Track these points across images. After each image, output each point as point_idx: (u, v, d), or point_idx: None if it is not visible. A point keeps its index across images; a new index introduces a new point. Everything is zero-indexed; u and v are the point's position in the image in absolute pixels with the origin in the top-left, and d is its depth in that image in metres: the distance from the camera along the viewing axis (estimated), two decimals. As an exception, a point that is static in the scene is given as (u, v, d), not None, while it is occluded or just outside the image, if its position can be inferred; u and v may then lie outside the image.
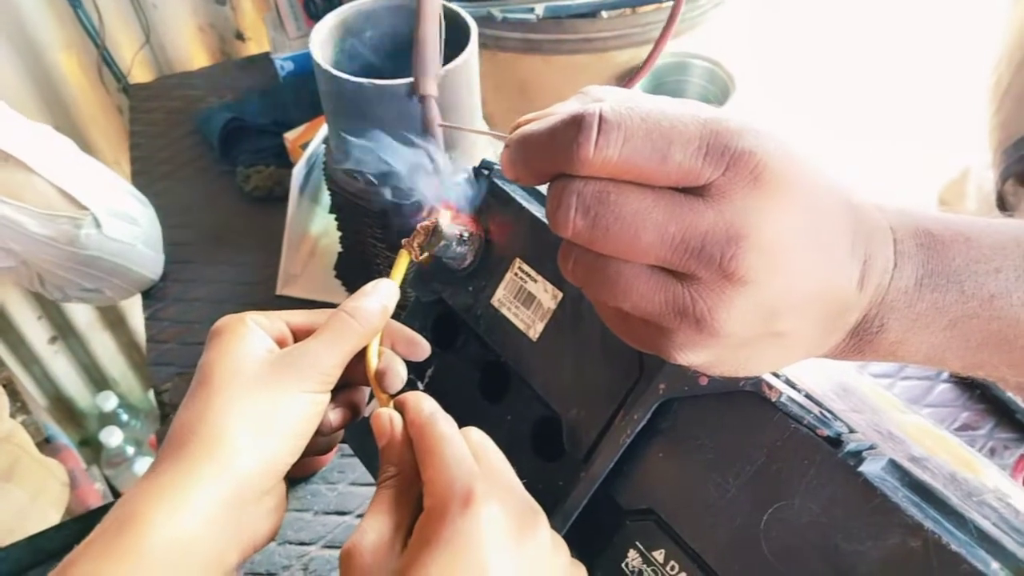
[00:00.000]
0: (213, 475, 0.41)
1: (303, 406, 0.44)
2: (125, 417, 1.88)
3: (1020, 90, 0.90)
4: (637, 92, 0.33)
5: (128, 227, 1.00)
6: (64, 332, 1.82)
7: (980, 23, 1.32)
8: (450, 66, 0.71)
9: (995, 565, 0.33)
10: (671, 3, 0.98)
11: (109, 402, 1.84)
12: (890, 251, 0.34)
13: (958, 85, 1.25)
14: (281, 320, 0.48)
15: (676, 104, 0.31)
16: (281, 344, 0.47)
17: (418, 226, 0.49)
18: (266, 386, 0.43)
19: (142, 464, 1.79)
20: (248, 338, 0.45)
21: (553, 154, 0.31)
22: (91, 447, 1.91)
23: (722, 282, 0.30)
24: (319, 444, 0.50)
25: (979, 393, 0.86)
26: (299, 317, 0.49)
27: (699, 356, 0.33)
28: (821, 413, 0.38)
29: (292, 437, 0.44)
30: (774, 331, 0.32)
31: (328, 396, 0.46)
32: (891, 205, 0.36)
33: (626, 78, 1.00)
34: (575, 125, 0.30)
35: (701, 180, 0.30)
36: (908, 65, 1.33)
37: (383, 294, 0.48)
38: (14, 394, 1.47)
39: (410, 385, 0.49)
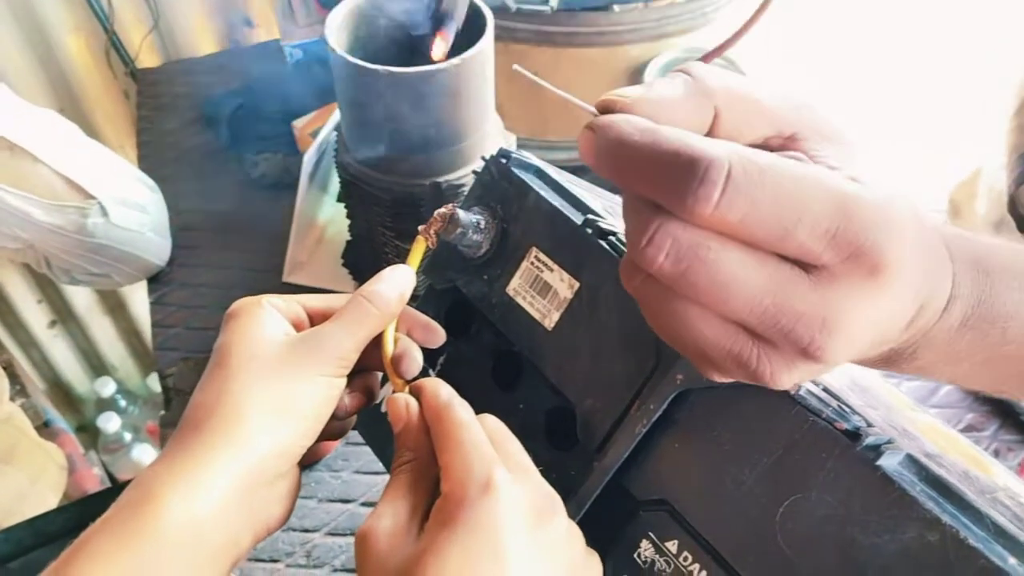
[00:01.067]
0: (229, 457, 0.41)
1: (320, 389, 0.44)
2: (123, 403, 1.88)
3: None
4: (744, 82, 0.31)
5: (136, 215, 1.00)
6: (64, 316, 1.82)
7: (991, 21, 1.32)
8: (466, 55, 0.71)
9: (1012, 560, 0.33)
10: (684, -1, 0.98)
11: (107, 388, 1.84)
12: (946, 295, 0.33)
13: (971, 85, 1.25)
14: (298, 303, 0.48)
15: (807, 170, 0.27)
16: (297, 327, 0.47)
17: (435, 213, 0.49)
18: (283, 369, 0.43)
19: (140, 450, 1.79)
20: (265, 320, 0.45)
21: (658, 187, 0.27)
22: (88, 432, 1.91)
23: (796, 357, 0.29)
24: (333, 428, 0.49)
25: (984, 395, 0.87)
26: (316, 301, 0.49)
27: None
28: (839, 407, 0.38)
29: (308, 420, 0.44)
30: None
31: (344, 380, 0.46)
32: (949, 230, 0.35)
33: (637, 72, 1.00)
34: (694, 171, 0.26)
35: (817, 263, 0.28)
36: (919, 62, 1.33)
37: (400, 280, 0.47)
38: (13, 377, 1.47)
39: (422, 372, 0.50)
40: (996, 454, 0.82)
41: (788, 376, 0.30)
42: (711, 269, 0.27)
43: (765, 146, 0.32)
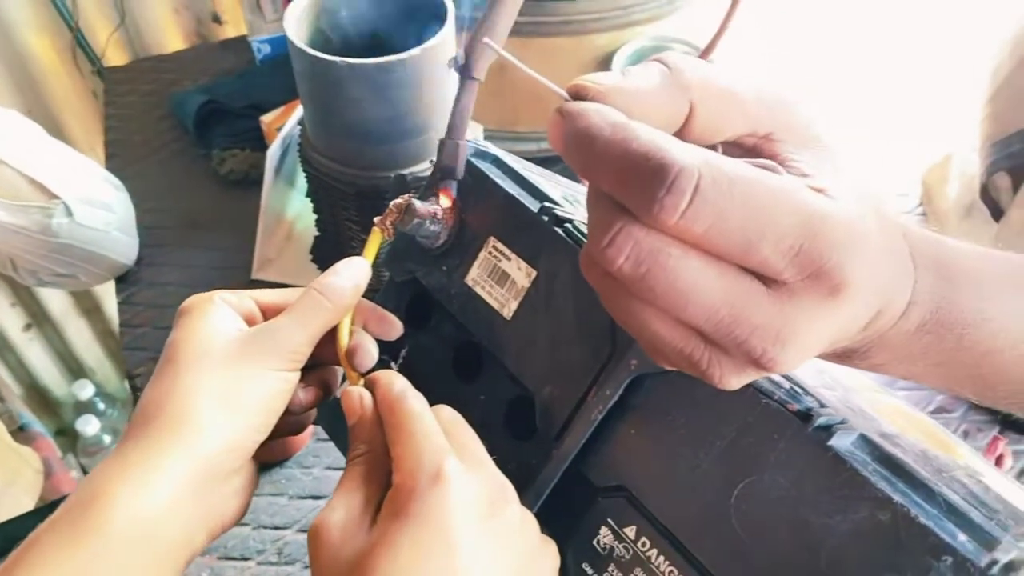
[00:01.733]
0: (179, 453, 0.40)
1: (271, 384, 0.43)
2: (101, 406, 1.86)
3: (1020, 85, 0.89)
4: (723, 76, 0.31)
5: (101, 214, 0.99)
6: (39, 319, 1.80)
7: (964, 5, 1.32)
8: (427, 45, 0.70)
9: (962, 537, 0.33)
10: (650, -14, 0.98)
11: (85, 391, 1.82)
12: (905, 300, 0.33)
13: (943, 68, 1.26)
14: (250, 298, 0.48)
15: (776, 183, 0.27)
16: (250, 322, 0.47)
17: (391, 204, 0.48)
18: (234, 364, 0.43)
19: (119, 453, 1.77)
20: (216, 316, 0.45)
21: (624, 187, 0.27)
22: (67, 436, 1.89)
23: (747, 366, 0.29)
24: (290, 424, 0.49)
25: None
26: (269, 295, 0.49)
27: None
28: (791, 388, 0.38)
29: (260, 415, 0.43)
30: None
31: (298, 374, 0.45)
32: (916, 233, 0.35)
33: (605, 62, 1.00)
34: (662, 178, 0.25)
35: (778, 278, 0.27)
36: (890, 46, 1.33)
37: (354, 272, 0.47)
38: (-12, 382, 1.46)
39: (383, 366, 0.49)
40: (965, 435, 0.82)
41: (737, 380, 0.30)
42: (670, 276, 0.27)
43: (739, 144, 0.32)
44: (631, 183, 0.26)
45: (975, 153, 0.95)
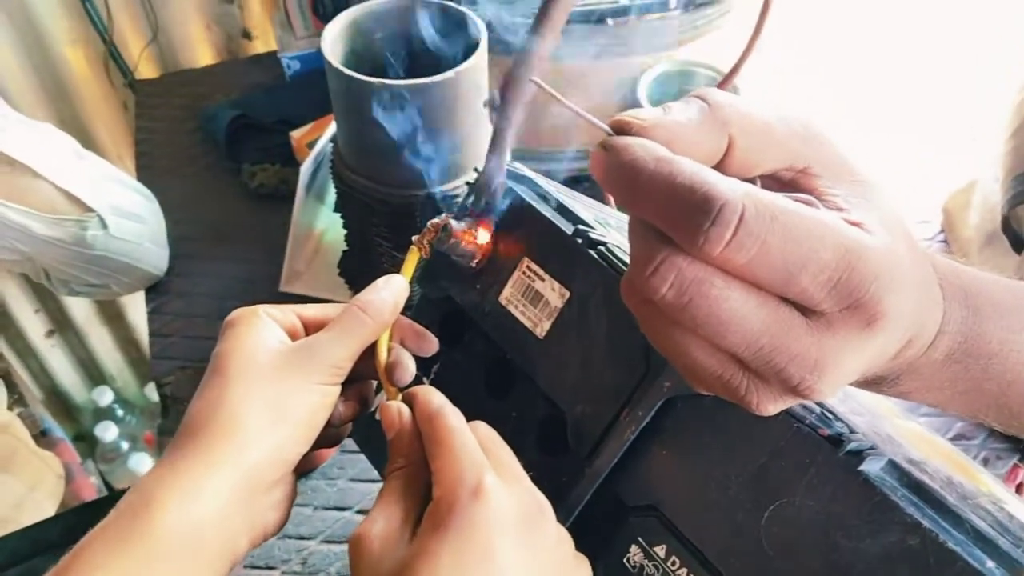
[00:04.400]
0: (227, 463, 0.42)
1: (315, 397, 0.45)
2: (121, 413, 1.88)
3: None
4: (760, 111, 0.32)
5: (134, 225, 1.00)
6: (62, 326, 1.82)
7: (992, 33, 1.33)
8: (460, 68, 0.72)
9: (991, 564, 0.34)
10: (675, 12, 1.00)
11: (105, 397, 1.85)
12: (934, 331, 0.34)
13: (970, 94, 1.27)
14: (293, 313, 0.49)
15: (816, 217, 0.28)
16: (293, 336, 0.48)
17: (428, 223, 0.50)
18: (279, 377, 0.44)
19: (137, 460, 1.79)
20: (262, 330, 0.46)
21: (669, 219, 0.28)
22: (86, 442, 1.91)
23: (785, 393, 0.30)
24: (328, 436, 0.50)
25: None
26: (311, 310, 0.50)
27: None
28: (823, 413, 0.39)
29: (303, 427, 0.45)
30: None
31: (339, 388, 0.47)
32: (945, 264, 0.36)
33: (630, 86, 1.01)
34: (707, 210, 0.26)
35: (816, 308, 0.28)
36: (918, 73, 1.34)
37: (394, 289, 0.48)
38: (11, 386, 1.47)
39: (416, 381, 0.50)
40: (985, 462, 0.82)
41: (773, 406, 0.31)
42: (713, 305, 0.28)
43: (776, 177, 0.33)
44: (676, 215, 0.27)
45: (997, 183, 0.95)
